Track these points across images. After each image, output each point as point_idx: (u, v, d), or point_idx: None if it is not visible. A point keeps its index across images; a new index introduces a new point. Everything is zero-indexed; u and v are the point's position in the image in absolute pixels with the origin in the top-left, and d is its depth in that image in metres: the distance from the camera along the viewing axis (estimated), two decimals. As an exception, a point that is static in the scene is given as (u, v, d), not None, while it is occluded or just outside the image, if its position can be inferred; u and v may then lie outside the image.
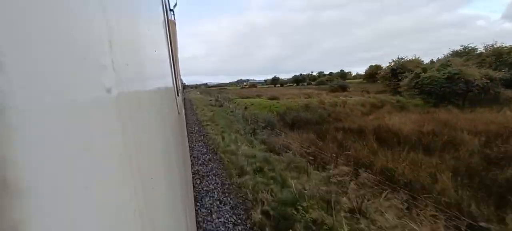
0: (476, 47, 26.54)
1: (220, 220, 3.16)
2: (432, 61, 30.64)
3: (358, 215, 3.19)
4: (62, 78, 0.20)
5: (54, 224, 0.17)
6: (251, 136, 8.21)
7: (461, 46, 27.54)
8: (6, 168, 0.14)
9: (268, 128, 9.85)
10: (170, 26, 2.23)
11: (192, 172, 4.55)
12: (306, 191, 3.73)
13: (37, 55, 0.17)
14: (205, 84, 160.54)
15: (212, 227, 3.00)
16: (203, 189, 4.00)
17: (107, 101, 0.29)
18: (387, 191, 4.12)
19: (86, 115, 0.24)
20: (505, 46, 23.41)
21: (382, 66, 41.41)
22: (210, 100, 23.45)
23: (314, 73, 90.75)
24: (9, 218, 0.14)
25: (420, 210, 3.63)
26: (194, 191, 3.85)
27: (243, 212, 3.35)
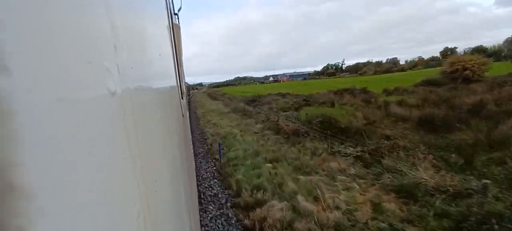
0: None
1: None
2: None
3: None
4: (67, 81, 0.20)
5: (58, 227, 0.17)
6: None
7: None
8: (12, 171, 0.14)
9: None
10: (174, 30, 2.25)
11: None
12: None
13: (42, 58, 0.17)
14: (200, 84, 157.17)
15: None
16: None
17: (112, 104, 0.30)
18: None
19: (91, 118, 0.24)
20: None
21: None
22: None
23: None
24: (15, 221, 0.14)
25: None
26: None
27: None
